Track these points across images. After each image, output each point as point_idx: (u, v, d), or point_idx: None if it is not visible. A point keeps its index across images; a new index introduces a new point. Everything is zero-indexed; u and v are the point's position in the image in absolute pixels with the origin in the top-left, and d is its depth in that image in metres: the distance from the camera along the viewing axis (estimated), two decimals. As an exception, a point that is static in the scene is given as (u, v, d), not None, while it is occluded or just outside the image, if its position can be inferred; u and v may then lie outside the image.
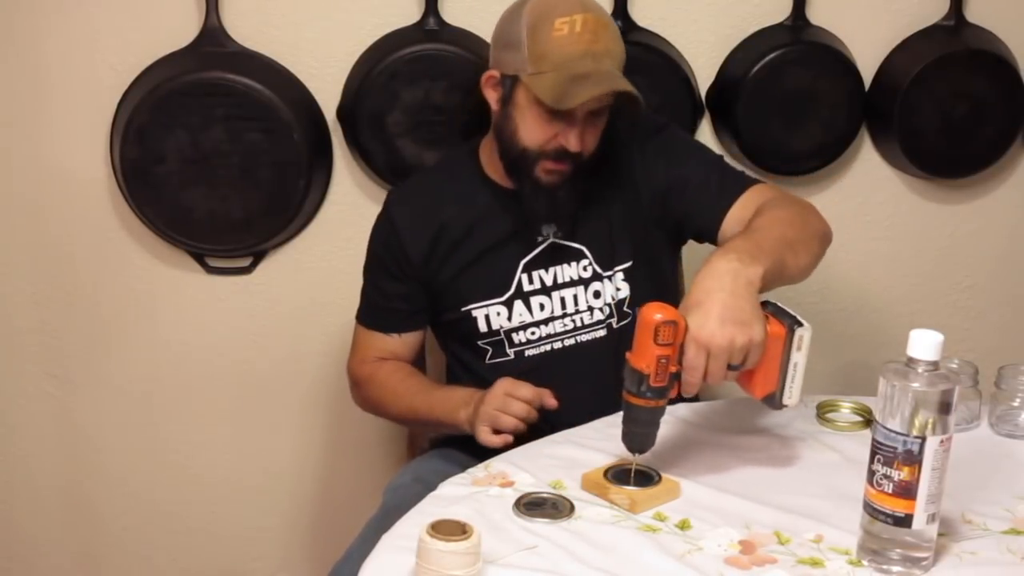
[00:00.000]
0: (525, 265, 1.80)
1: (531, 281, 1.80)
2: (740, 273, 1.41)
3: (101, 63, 2.12)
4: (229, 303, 2.27)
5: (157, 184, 2.10)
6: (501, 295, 1.80)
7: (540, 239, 1.79)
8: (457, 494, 1.44)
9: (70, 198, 2.20)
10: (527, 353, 1.82)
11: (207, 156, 2.08)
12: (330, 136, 2.18)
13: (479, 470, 1.50)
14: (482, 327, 1.81)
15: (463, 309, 1.81)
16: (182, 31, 2.10)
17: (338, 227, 2.23)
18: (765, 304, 1.45)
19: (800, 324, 1.42)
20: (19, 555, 2.42)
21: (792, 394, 1.44)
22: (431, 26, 2.11)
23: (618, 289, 1.80)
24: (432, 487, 1.48)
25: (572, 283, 1.80)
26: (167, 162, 2.08)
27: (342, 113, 2.13)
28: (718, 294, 1.39)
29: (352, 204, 2.22)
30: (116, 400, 2.32)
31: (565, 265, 1.80)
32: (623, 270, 1.80)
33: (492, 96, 1.75)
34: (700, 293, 1.40)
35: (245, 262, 2.24)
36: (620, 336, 1.77)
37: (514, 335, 1.81)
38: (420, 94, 2.08)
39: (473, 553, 1.19)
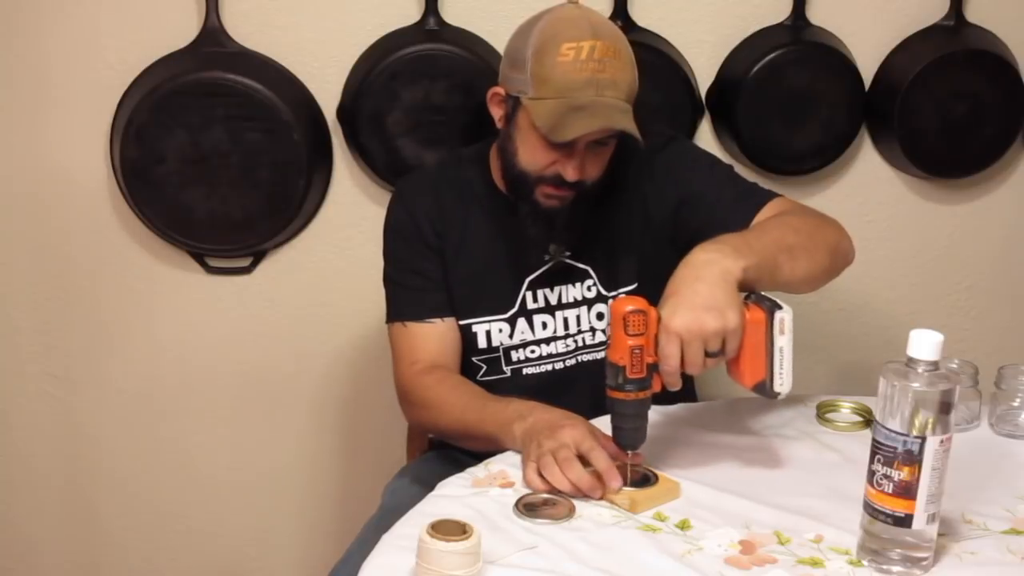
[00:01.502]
0: (530, 283, 1.76)
1: (535, 299, 1.76)
2: (716, 263, 1.40)
3: (101, 63, 2.13)
4: (229, 303, 2.27)
5: (157, 184, 2.10)
6: (504, 312, 1.76)
7: (547, 257, 1.75)
8: (457, 494, 1.44)
9: (70, 198, 2.20)
10: (525, 371, 1.79)
11: (207, 156, 2.08)
12: (330, 136, 2.18)
13: (479, 470, 1.50)
14: (481, 343, 1.77)
15: (462, 323, 1.77)
16: (182, 31, 2.10)
17: (338, 227, 2.23)
18: (748, 296, 1.44)
19: (780, 307, 1.41)
20: (19, 555, 2.42)
21: (783, 381, 1.41)
22: (431, 26, 2.10)
23: None
24: (431, 487, 1.48)
25: (576, 303, 1.77)
26: (167, 162, 2.08)
27: (342, 113, 2.13)
28: (691, 283, 1.38)
29: (352, 204, 2.22)
30: (116, 400, 2.32)
31: (570, 285, 1.76)
32: (627, 292, 1.75)
33: (497, 113, 1.71)
34: (675, 283, 1.40)
35: (245, 262, 2.24)
36: None
37: (513, 352, 1.78)
38: (420, 94, 2.08)
39: (473, 553, 1.19)
